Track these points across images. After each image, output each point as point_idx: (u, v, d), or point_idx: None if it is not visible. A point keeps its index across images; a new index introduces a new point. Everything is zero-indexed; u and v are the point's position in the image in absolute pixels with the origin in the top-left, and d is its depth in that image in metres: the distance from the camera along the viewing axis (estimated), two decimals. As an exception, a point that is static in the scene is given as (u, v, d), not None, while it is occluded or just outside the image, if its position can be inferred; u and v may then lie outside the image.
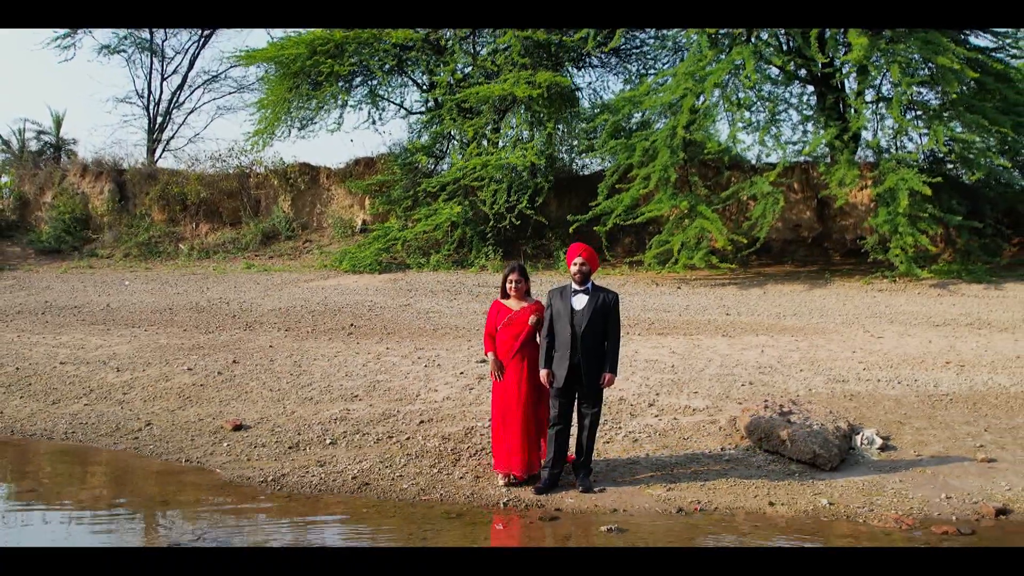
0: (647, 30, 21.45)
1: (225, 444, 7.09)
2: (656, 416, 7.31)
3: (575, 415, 5.82)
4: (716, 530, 5.19)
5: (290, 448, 6.89)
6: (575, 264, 5.75)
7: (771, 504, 5.56)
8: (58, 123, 32.33)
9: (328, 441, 6.95)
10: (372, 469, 6.27)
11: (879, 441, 6.73)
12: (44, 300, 15.58)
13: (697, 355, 9.70)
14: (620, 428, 7.01)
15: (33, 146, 31.18)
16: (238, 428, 7.45)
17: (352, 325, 11.99)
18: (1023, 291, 14.75)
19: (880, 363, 9.33)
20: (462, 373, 8.88)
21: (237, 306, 14.08)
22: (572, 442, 6.00)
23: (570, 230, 17.33)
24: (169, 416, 7.99)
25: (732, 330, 11.46)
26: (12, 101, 49.58)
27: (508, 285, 5.74)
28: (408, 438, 6.88)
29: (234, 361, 9.77)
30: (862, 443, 6.71)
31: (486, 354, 5.81)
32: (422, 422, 7.24)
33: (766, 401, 6.95)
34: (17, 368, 9.94)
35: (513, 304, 5.76)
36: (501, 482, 5.83)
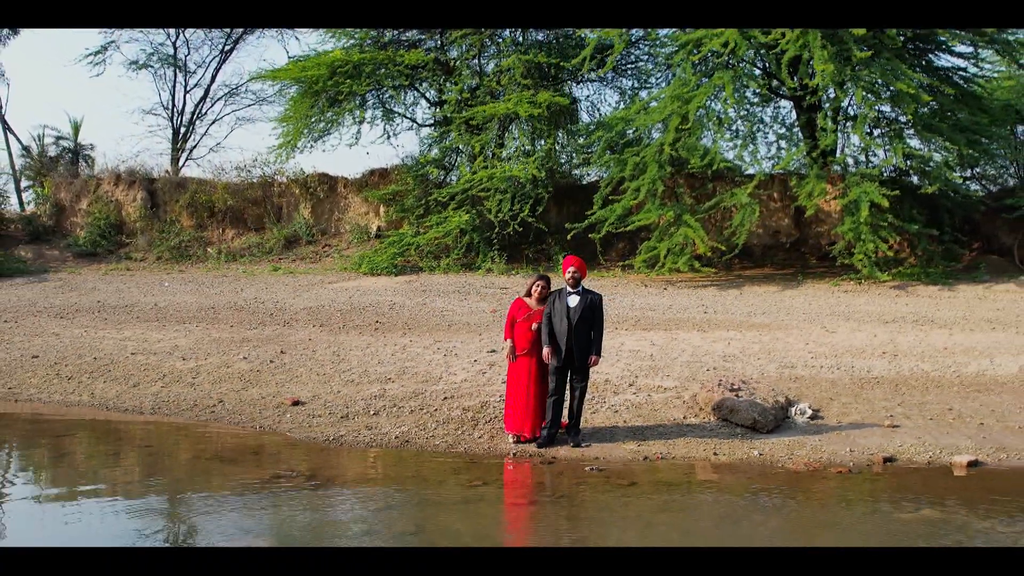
0: (641, 47, 23.19)
1: (288, 416, 8.85)
2: (634, 393, 9.07)
3: (568, 390, 7.60)
4: (671, 469, 6.96)
5: (342, 418, 8.64)
6: (569, 272, 7.52)
7: (715, 455, 7.33)
8: (76, 129, 34.06)
9: (372, 412, 8.71)
10: (410, 432, 8.04)
11: (810, 412, 8.49)
12: (96, 300, 17.34)
13: (673, 346, 11.46)
14: (604, 402, 8.77)
15: (52, 151, 32.92)
16: (296, 404, 9.20)
17: (377, 322, 13.76)
18: (972, 292, 16.50)
19: (827, 353, 11.08)
20: (475, 361, 10.62)
21: (272, 305, 15.84)
22: (565, 411, 7.77)
23: (568, 237, 19.10)
24: (236, 395, 9.74)
25: (707, 326, 13.21)
26: (39, 111, 51.50)
27: (534, 288, 7.49)
28: (436, 409, 8.64)
29: (281, 352, 11.53)
30: (796, 413, 8.47)
31: (505, 340, 7.59)
32: (446, 398, 9.00)
33: (720, 381, 8.70)
34: (95, 358, 11.70)
35: (532, 303, 7.52)
36: (511, 440, 7.60)
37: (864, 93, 16.70)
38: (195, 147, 30.10)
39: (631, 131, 19.60)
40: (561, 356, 7.36)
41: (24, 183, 31.73)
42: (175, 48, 29.28)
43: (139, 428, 8.87)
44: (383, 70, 20.93)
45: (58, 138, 32.78)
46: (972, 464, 7.08)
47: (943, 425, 8.20)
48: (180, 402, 9.64)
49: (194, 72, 29.94)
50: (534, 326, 7.44)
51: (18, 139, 31.88)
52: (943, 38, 17.83)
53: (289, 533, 5.61)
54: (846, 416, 8.45)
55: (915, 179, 18.52)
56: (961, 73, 19.57)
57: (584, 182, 22.17)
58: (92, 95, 53.13)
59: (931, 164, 17.56)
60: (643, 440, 7.69)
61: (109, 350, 12.15)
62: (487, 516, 5.87)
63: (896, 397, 9.08)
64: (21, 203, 30.26)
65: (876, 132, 18.31)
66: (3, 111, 31.68)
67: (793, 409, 8.52)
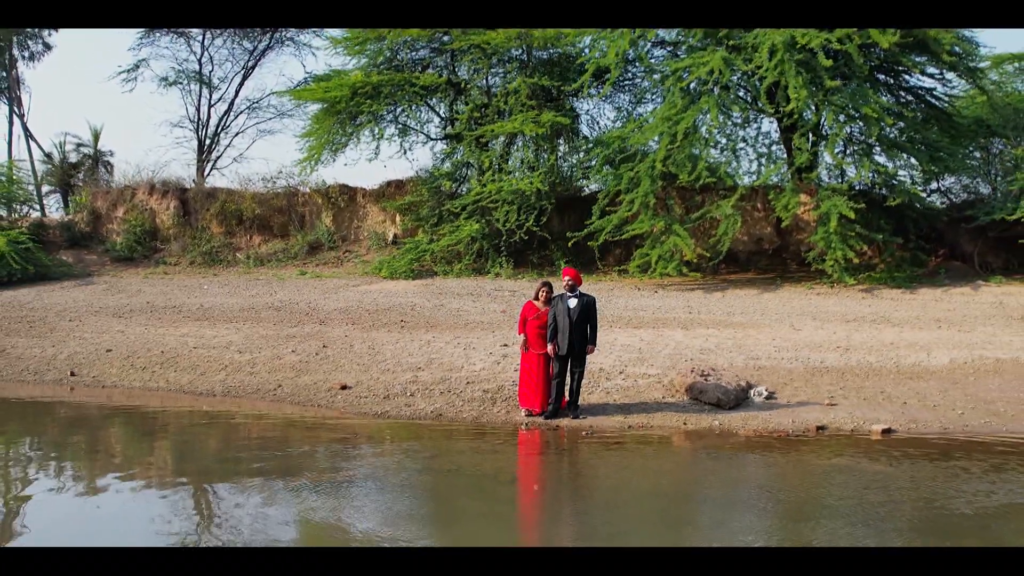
0: (637, 65, 25.08)
1: (339, 397, 10.79)
2: (623, 379, 11.01)
3: (568, 374, 9.56)
4: (649, 434, 8.92)
5: (384, 398, 10.58)
6: (565, 280, 9.51)
7: (684, 424, 9.28)
8: (96, 137, 35.97)
9: (408, 394, 10.65)
10: (441, 408, 9.99)
11: (766, 393, 10.42)
12: (145, 301, 19.28)
13: (659, 342, 13.39)
14: (598, 386, 10.71)
15: (73, 158, 34.81)
16: (344, 388, 11.12)
17: (402, 320, 15.70)
18: (930, 295, 18.41)
19: (789, 347, 13.00)
20: (491, 353, 12.55)
21: (306, 306, 17.78)
22: (566, 391, 9.71)
23: (569, 244, 21.05)
24: (292, 381, 11.67)
25: (690, 325, 15.13)
26: (61, 120, 53.55)
27: (540, 293, 9.45)
28: (461, 391, 10.58)
29: (324, 346, 13.47)
30: (754, 394, 10.40)
31: (519, 334, 9.56)
32: (468, 382, 10.94)
33: (693, 369, 10.64)
34: (161, 351, 13.63)
35: (540, 305, 9.48)
36: (523, 414, 9.55)
37: (835, 116, 18.64)
38: (219, 157, 32.04)
39: (629, 147, 21.50)
40: (563, 347, 9.32)
41: (45, 188, 33.63)
42: (200, 64, 31.27)
43: (218, 408, 10.82)
44: (400, 91, 22.88)
45: (79, 145, 34.54)
46: (886, 431, 9.02)
47: (873, 404, 10.13)
48: (245, 387, 11.59)
49: (218, 87, 31.92)
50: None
51: (40, 146, 33.75)
52: (906, 65, 19.71)
53: (367, 469, 7.60)
54: (795, 397, 10.39)
55: (882, 191, 20.40)
56: (932, 92, 21.51)
57: (584, 193, 24.08)
58: (110, 105, 55.31)
59: (896, 179, 19.50)
60: (628, 414, 9.64)
61: (172, 344, 14.08)
62: (507, 460, 7.90)
63: (840, 382, 10.99)
64: (42, 209, 32.11)
65: (848, 150, 20.22)
66: (25, 119, 33.65)
67: (752, 391, 10.46)
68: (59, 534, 6.22)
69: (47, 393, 11.85)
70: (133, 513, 6.73)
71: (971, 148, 23.10)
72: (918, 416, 9.63)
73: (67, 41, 58.93)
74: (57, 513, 6.83)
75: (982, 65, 22.10)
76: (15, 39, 33.17)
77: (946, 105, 21.43)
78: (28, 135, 34.17)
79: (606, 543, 5.83)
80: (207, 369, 12.54)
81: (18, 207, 29.21)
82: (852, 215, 17.96)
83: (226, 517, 6.69)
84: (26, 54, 33.90)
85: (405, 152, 24.53)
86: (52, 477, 8.00)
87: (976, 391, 10.63)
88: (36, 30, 33.26)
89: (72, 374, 12.70)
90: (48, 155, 33.70)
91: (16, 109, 34.31)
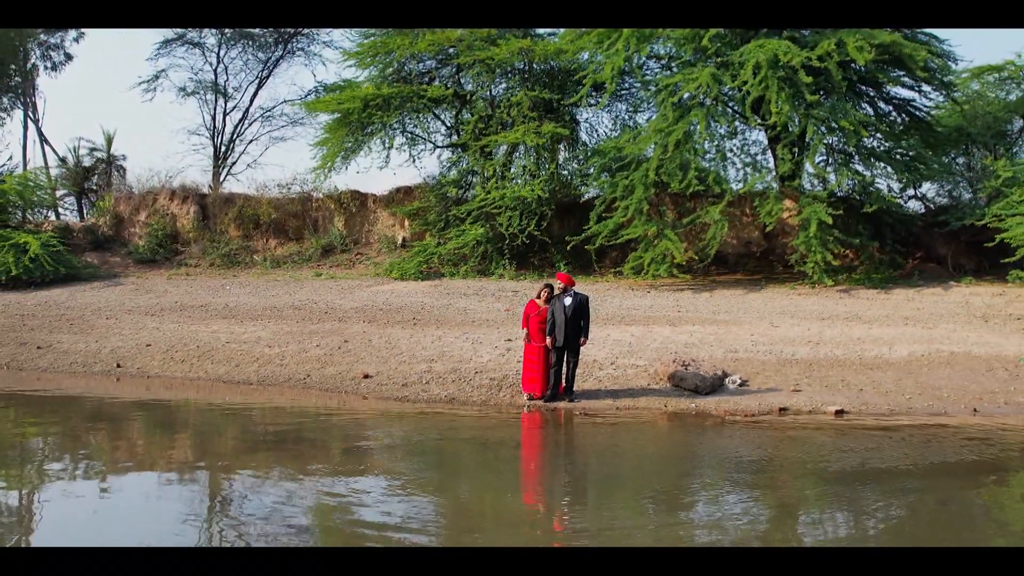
0: (634, 76, 26.49)
1: (363, 384, 12.21)
2: (614, 369, 12.42)
3: (564, 363, 10.98)
4: (634, 414, 10.34)
5: (403, 385, 11.99)
6: (557, 285, 10.94)
7: (665, 407, 10.69)
8: (109, 141, 37.35)
9: (424, 382, 12.06)
10: (454, 393, 11.41)
11: (739, 381, 11.82)
12: (173, 300, 20.70)
13: (648, 337, 14.79)
14: (592, 375, 12.11)
15: (87, 162, 36.19)
16: (366, 377, 12.53)
17: (414, 318, 17.11)
18: (903, 295, 19.78)
19: (765, 341, 14.39)
20: (496, 347, 13.95)
21: (324, 305, 19.19)
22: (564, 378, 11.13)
23: (567, 247, 22.47)
24: (319, 372, 13.09)
25: (678, 322, 16.52)
26: (74, 124, 55.12)
27: (542, 293, 10.88)
28: (470, 379, 11.99)
29: (345, 341, 14.87)
30: (729, 382, 11.81)
31: (523, 328, 10.99)
32: (477, 372, 12.34)
33: (675, 359, 12.05)
34: (197, 346, 15.05)
35: (541, 303, 10.90)
36: (526, 398, 10.97)
37: (816, 128, 20.05)
38: (234, 163, 33.51)
39: (624, 156, 22.90)
40: (560, 339, 10.74)
41: (60, 192, 34.94)
42: (216, 75, 32.75)
43: (259, 395, 12.24)
44: (408, 103, 24.32)
45: (92, 149, 35.75)
46: (839, 412, 10.42)
47: (833, 390, 11.53)
48: (277, 376, 13.01)
49: (232, 96, 33.38)
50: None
51: (54, 150, 35.19)
52: (883, 80, 21.13)
53: (395, 437, 9.04)
54: (765, 384, 11.79)
55: (858, 198, 21.81)
56: (912, 103, 22.91)
57: (582, 199, 25.50)
58: (120, 111, 56.85)
59: (873, 187, 20.92)
60: (617, 398, 11.06)
61: (206, 340, 15.50)
62: (512, 432, 9.35)
63: (807, 372, 12.39)
64: (56, 212, 33.49)
65: (829, 160, 21.63)
66: (40, 124, 35.10)
67: (727, 379, 11.87)
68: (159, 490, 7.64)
69: (98, 383, 13.28)
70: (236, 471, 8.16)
71: (953, 155, 24.58)
72: (870, 400, 11.03)
73: (75, 46, 60.37)
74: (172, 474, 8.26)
75: (960, 77, 23.57)
76: (37, 49, 34.69)
77: (925, 115, 22.83)
78: (43, 140, 35.63)
79: (594, 485, 7.32)
80: (241, 361, 13.95)
81: (42, 211, 30.68)
82: (830, 220, 19.35)
83: (308, 465, 8.11)
84: (48, 64, 35.45)
85: (413, 160, 26.05)
86: (151, 447, 9.43)
87: (927, 380, 12.01)
88: (59, 40, 34.83)
89: (118, 366, 14.11)
90: (63, 159, 35.10)
91: (31, 114, 35.81)
